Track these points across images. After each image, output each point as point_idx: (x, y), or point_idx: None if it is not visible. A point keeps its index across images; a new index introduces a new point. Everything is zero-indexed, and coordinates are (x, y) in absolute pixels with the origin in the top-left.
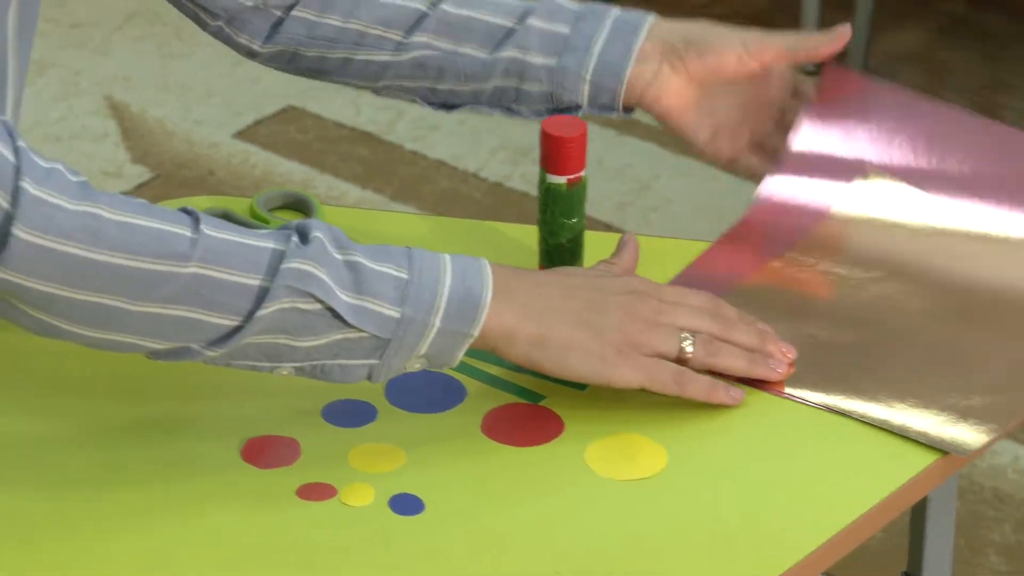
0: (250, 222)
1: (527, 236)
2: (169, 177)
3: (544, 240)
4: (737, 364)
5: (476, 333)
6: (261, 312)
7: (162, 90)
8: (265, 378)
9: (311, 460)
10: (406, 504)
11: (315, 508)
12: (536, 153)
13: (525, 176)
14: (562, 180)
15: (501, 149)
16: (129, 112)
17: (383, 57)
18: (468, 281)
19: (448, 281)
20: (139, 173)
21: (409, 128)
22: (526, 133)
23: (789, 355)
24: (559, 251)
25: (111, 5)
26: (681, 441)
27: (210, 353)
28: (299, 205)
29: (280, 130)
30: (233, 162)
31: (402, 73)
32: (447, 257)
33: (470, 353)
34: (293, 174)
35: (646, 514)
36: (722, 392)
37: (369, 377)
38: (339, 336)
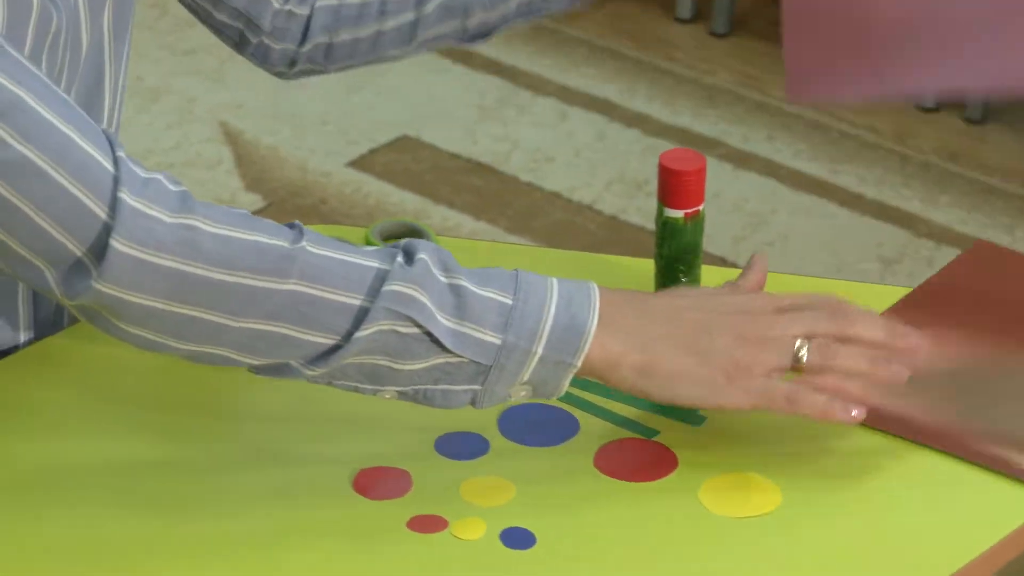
0: None
1: (643, 270)
2: (282, 205)
3: (660, 273)
4: (857, 364)
5: (579, 363)
6: (360, 333)
7: (275, 118)
8: (378, 409)
9: (422, 492)
10: (518, 538)
11: (426, 540)
12: (652, 186)
13: (641, 209)
14: (679, 214)
15: (616, 182)
16: (243, 139)
17: (410, 16)
18: (574, 308)
19: (553, 308)
20: (252, 201)
21: (524, 159)
22: (643, 167)
23: (919, 350)
24: (675, 285)
25: None
26: (795, 480)
27: (309, 372)
28: (414, 236)
29: (394, 159)
30: (346, 191)
31: (432, 23)
32: (555, 282)
33: (583, 386)
34: (406, 204)
35: (759, 552)
36: (839, 410)
37: (472, 403)
38: (439, 361)
